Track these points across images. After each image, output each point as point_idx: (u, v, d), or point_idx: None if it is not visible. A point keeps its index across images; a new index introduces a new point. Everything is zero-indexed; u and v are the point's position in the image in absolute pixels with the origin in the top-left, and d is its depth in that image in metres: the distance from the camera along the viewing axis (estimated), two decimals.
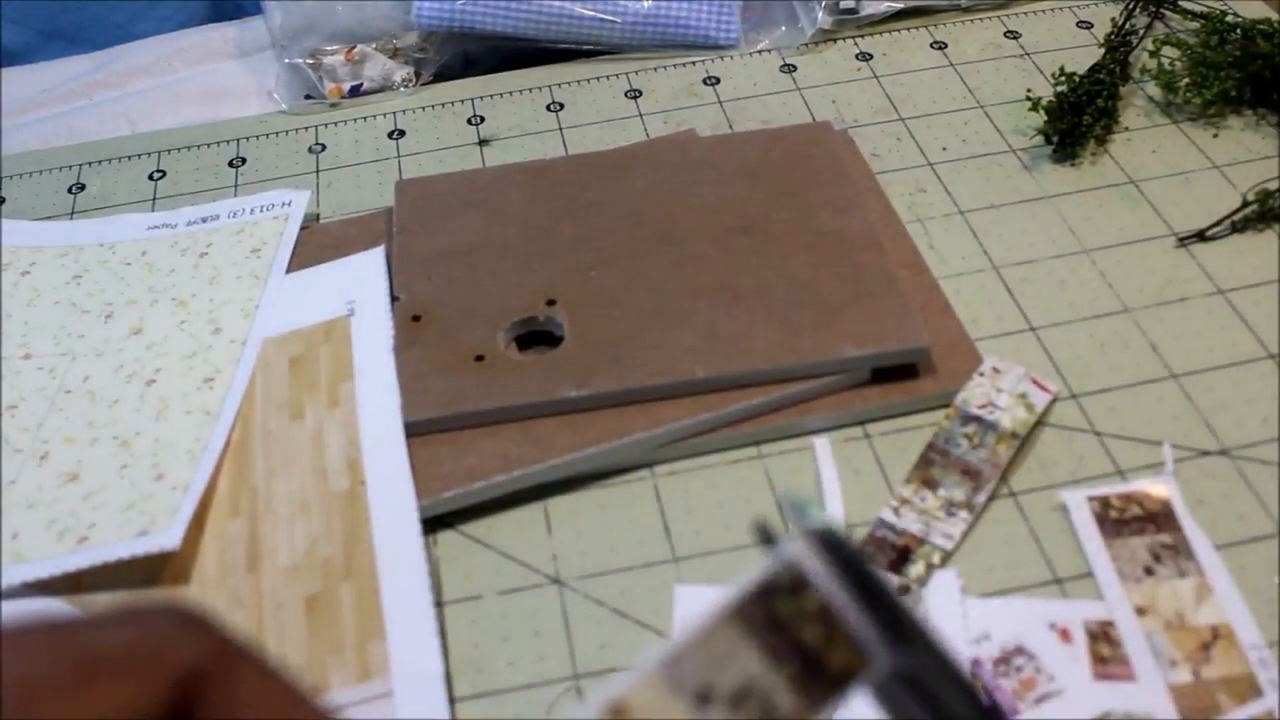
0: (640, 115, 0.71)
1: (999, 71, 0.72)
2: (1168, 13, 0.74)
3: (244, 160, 0.71)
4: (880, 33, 0.76)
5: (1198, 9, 0.73)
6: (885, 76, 0.72)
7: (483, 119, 0.72)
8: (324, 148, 0.71)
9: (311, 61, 0.75)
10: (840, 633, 0.22)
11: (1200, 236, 0.60)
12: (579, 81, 0.74)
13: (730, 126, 0.70)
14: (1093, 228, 0.61)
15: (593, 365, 0.53)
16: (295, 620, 0.46)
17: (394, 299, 0.58)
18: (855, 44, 0.75)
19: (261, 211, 0.65)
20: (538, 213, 0.61)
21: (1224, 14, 0.70)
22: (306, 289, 0.60)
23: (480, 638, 0.47)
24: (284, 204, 0.65)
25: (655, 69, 0.75)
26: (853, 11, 0.76)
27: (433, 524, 0.50)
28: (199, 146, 0.72)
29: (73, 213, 0.68)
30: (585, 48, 0.76)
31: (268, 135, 0.73)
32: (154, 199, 0.69)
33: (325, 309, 0.58)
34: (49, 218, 0.68)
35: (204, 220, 0.65)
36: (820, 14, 0.75)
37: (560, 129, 0.71)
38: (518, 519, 0.51)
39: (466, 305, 0.57)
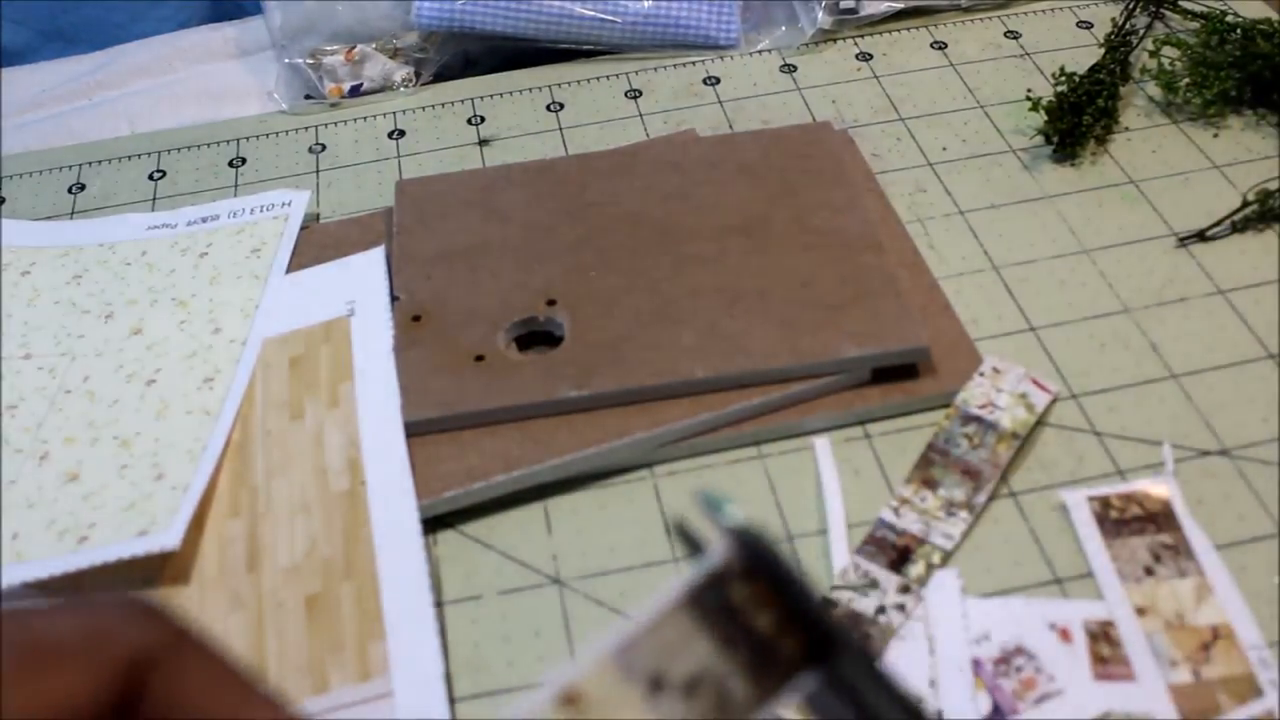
0: (640, 115, 0.71)
1: (999, 71, 0.72)
2: (1168, 13, 0.74)
3: (244, 160, 0.71)
4: (880, 33, 0.76)
5: (1198, 9, 0.73)
6: (885, 76, 0.72)
7: (483, 119, 0.72)
8: (324, 148, 0.71)
9: (311, 61, 0.75)
10: (793, 620, 0.22)
11: (1200, 236, 0.60)
12: (579, 81, 0.74)
13: (730, 126, 0.70)
14: (1093, 228, 0.61)
15: (593, 365, 0.53)
16: (295, 620, 0.46)
17: (394, 299, 0.58)
18: (855, 44, 0.75)
19: (261, 211, 0.65)
20: (538, 213, 0.61)
21: (1224, 14, 0.70)
22: (306, 289, 0.60)
23: (480, 638, 0.47)
24: (284, 204, 0.65)
25: (655, 69, 0.75)
26: (853, 11, 0.76)
27: (433, 524, 0.50)
28: (199, 146, 0.72)
29: (73, 213, 0.68)
30: (585, 48, 0.76)
31: (268, 135, 0.73)
32: (154, 199, 0.69)
33: (325, 309, 0.58)
34: (49, 218, 0.68)
35: (204, 220, 0.65)
36: (820, 14, 0.75)
37: (560, 129, 0.71)
38: (518, 519, 0.51)
39: (466, 305, 0.57)
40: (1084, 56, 0.71)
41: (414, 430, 0.52)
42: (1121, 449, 0.51)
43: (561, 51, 0.76)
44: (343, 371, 0.55)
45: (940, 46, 0.74)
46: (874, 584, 0.46)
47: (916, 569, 0.47)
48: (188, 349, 0.57)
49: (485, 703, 0.45)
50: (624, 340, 0.54)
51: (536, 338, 0.56)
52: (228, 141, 0.72)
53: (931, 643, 0.45)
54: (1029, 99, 0.67)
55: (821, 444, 0.52)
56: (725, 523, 0.22)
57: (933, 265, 0.59)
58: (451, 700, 0.45)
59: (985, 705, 0.43)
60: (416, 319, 0.56)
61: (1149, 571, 0.46)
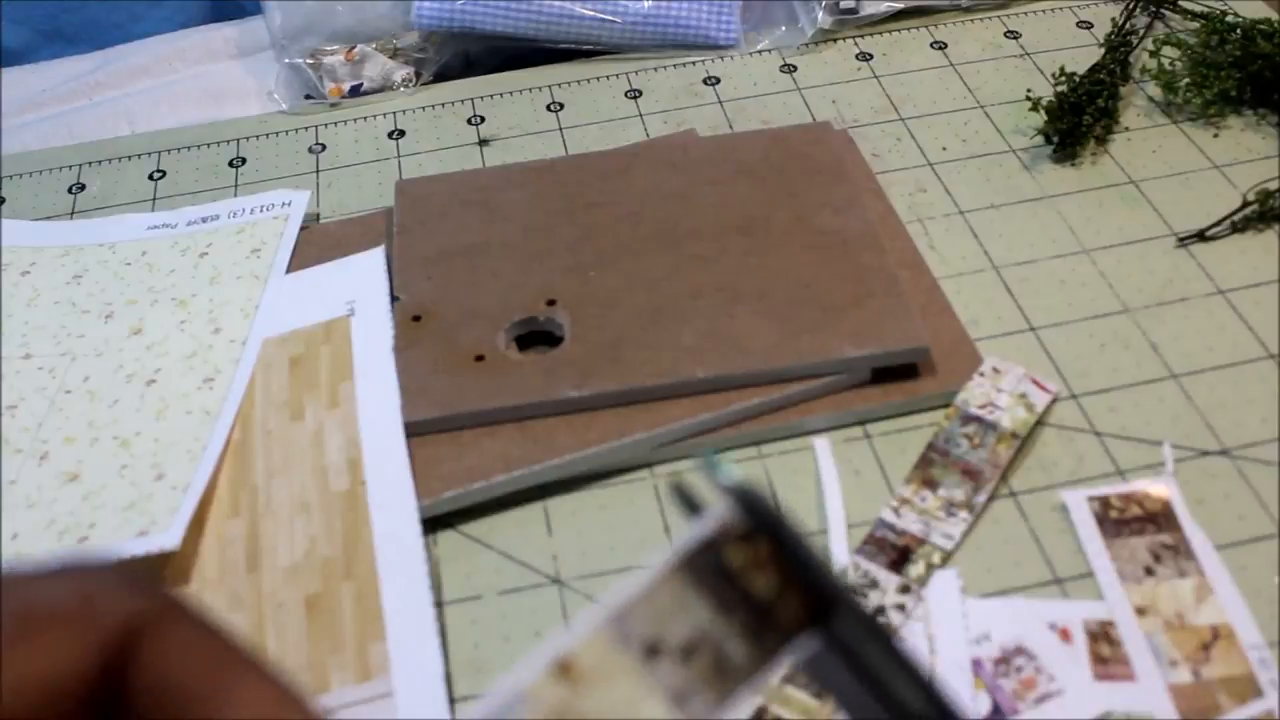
0: (640, 115, 0.71)
1: (999, 71, 0.72)
2: (1168, 13, 0.74)
3: (244, 160, 0.71)
4: (880, 33, 0.76)
5: (1198, 9, 0.73)
6: (885, 76, 0.72)
7: (483, 119, 0.72)
8: (324, 148, 0.71)
9: (311, 61, 0.75)
10: (792, 580, 0.22)
11: (1200, 236, 0.60)
12: (579, 81, 0.74)
13: (730, 126, 0.70)
14: (1093, 228, 0.61)
15: (593, 365, 0.53)
16: (295, 620, 0.46)
17: (394, 299, 0.58)
18: (855, 44, 0.75)
19: (261, 211, 0.65)
20: (538, 213, 0.61)
21: (1224, 14, 0.70)
22: (306, 289, 0.60)
23: (480, 638, 0.47)
24: (284, 204, 0.65)
25: (655, 69, 0.75)
26: (853, 11, 0.76)
27: (433, 524, 0.50)
28: (199, 146, 0.72)
29: (73, 213, 0.68)
30: (585, 48, 0.76)
31: (268, 135, 0.73)
32: (154, 199, 0.69)
33: (325, 309, 0.58)
34: (49, 218, 0.68)
35: (204, 220, 0.65)
36: (820, 14, 0.75)
37: (560, 129, 0.71)
38: (518, 519, 0.51)
39: (466, 305, 0.57)
40: (1084, 56, 0.71)
41: (414, 430, 0.52)
42: (1121, 449, 0.51)
43: (561, 51, 0.76)
44: (343, 371, 0.55)
45: (940, 46, 0.74)
46: (874, 584, 0.46)
47: (916, 569, 0.47)
48: (188, 349, 0.57)
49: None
50: (624, 340, 0.54)
51: (536, 338, 0.56)
52: (228, 141, 0.72)
53: (931, 643, 0.45)
54: (1029, 99, 0.67)
55: (821, 444, 0.52)
56: (723, 481, 0.22)
57: (933, 265, 0.59)
58: (451, 700, 0.44)
59: (985, 705, 0.43)
60: (416, 319, 0.56)
61: (1149, 571, 0.46)
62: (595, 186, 0.63)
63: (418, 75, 0.75)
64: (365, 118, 0.73)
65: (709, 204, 0.61)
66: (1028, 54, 0.73)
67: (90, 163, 0.72)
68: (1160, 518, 0.48)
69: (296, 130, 0.73)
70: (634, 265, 0.58)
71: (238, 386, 0.55)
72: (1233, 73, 0.66)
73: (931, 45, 0.75)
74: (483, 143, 0.71)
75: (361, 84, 0.75)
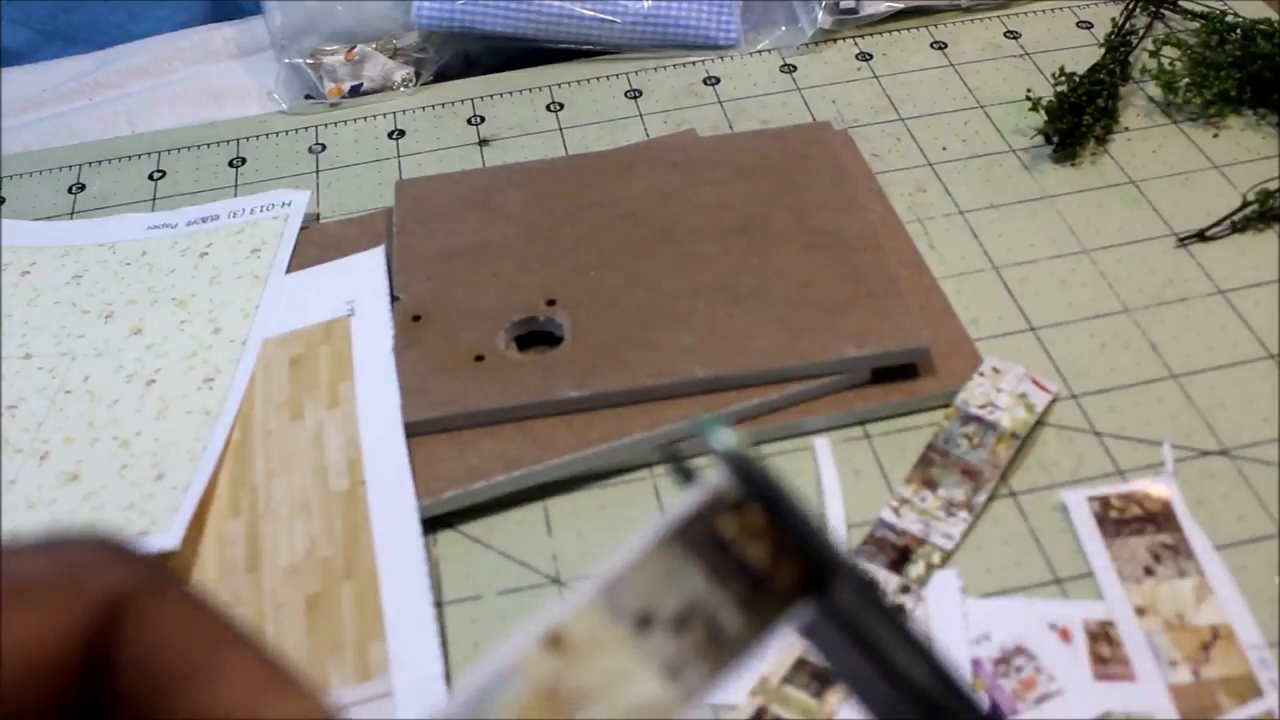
0: (640, 115, 0.71)
1: (999, 71, 0.72)
2: (1168, 13, 0.74)
3: (244, 160, 0.71)
4: (880, 33, 0.76)
5: (1198, 9, 0.73)
6: (885, 76, 0.72)
7: (483, 119, 0.72)
8: (324, 148, 0.71)
9: (311, 61, 0.75)
10: (788, 549, 0.21)
11: (1200, 236, 0.60)
12: (579, 81, 0.74)
13: (730, 126, 0.70)
14: (1093, 228, 0.61)
15: (593, 365, 0.53)
16: (295, 620, 0.46)
17: (394, 299, 0.58)
18: (855, 44, 0.75)
19: (261, 211, 0.65)
20: (538, 213, 0.61)
21: (1224, 14, 0.70)
22: (306, 289, 0.60)
23: (480, 638, 0.47)
24: (284, 204, 0.65)
25: (655, 69, 0.75)
26: (853, 11, 0.76)
27: (433, 524, 0.50)
28: (199, 146, 0.72)
29: (73, 213, 0.68)
30: (585, 48, 0.76)
31: (268, 135, 0.73)
32: (154, 199, 0.69)
33: (325, 309, 0.58)
34: (49, 218, 0.68)
35: (204, 220, 0.65)
36: (820, 14, 0.75)
37: (560, 129, 0.71)
38: (518, 519, 0.51)
39: (466, 305, 0.57)
40: (1084, 56, 0.71)
41: (414, 430, 0.52)
42: (1121, 449, 0.51)
43: (561, 51, 0.76)
44: (343, 371, 0.55)
45: (940, 46, 0.74)
46: None
47: (916, 569, 0.47)
48: (188, 349, 0.57)
49: None
50: (624, 340, 0.54)
51: (536, 338, 0.56)
52: (228, 141, 0.72)
53: None
54: (1029, 99, 0.67)
55: (821, 444, 0.52)
56: (717, 446, 0.21)
57: (933, 265, 0.59)
58: None
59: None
60: (416, 319, 0.56)
61: (1149, 571, 0.46)
62: (595, 186, 0.63)
63: (418, 75, 0.75)
64: (365, 118, 0.73)
65: (709, 204, 0.61)
66: (1028, 54, 0.73)
67: (90, 163, 0.72)
68: (1160, 518, 0.48)
69: (296, 130, 0.73)
70: (634, 265, 0.58)
71: (238, 386, 0.55)
72: (1233, 73, 0.66)
73: (931, 45, 0.75)
74: (483, 143, 0.71)
75: (361, 84, 0.75)
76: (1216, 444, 0.51)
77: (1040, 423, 0.52)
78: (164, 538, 0.48)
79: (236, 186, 0.69)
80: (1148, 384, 0.54)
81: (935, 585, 0.46)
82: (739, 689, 0.43)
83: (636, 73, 0.74)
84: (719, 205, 0.60)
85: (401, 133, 0.72)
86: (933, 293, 0.57)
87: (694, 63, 0.75)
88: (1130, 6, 0.73)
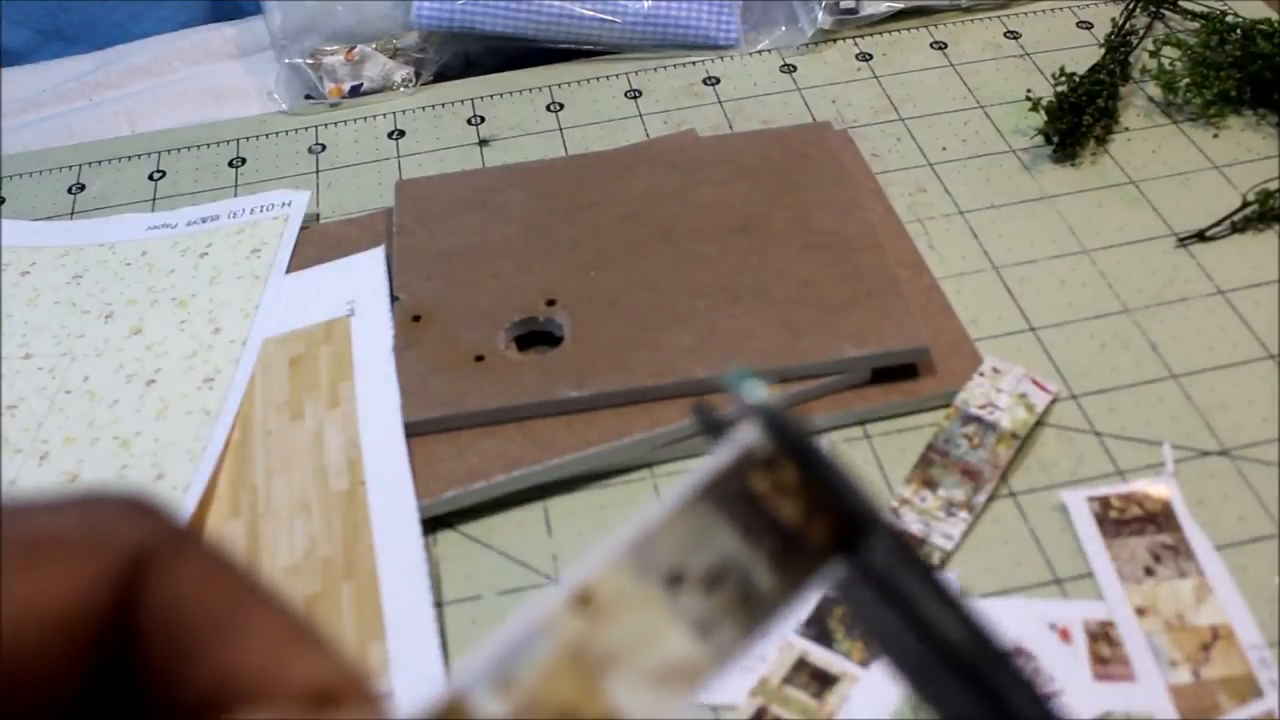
0: (640, 115, 0.71)
1: (999, 71, 0.72)
2: (1168, 13, 0.74)
3: (244, 160, 0.71)
4: (880, 33, 0.76)
5: (1198, 9, 0.73)
6: (885, 76, 0.72)
7: (483, 119, 0.72)
8: (324, 148, 0.71)
9: (311, 61, 0.75)
10: (821, 507, 0.20)
11: (1200, 236, 0.60)
12: (579, 81, 0.74)
13: (730, 126, 0.70)
14: (1093, 228, 0.61)
15: (593, 365, 0.53)
16: None
17: (394, 299, 0.58)
18: (855, 44, 0.75)
19: (261, 211, 0.65)
20: (538, 213, 0.61)
21: (1224, 14, 0.70)
22: (306, 289, 0.60)
23: (480, 638, 0.47)
24: (284, 204, 0.65)
25: (655, 69, 0.75)
26: (853, 11, 0.76)
27: (433, 524, 0.50)
28: (199, 146, 0.72)
29: (73, 213, 0.68)
30: (585, 48, 0.76)
31: (268, 135, 0.73)
32: (154, 199, 0.69)
33: (325, 309, 0.58)
34: (49, 218, 0.68)
35: (204, 220, 0.65)
36: (820, 14, 0.75)
37: (560, 129, 0.71)
38: (518, 519, 0.51)
39: (466, 305, 0.57)
40: (1084, 56, 0.71)
41: (414, 430, 0.52)
42: (1121, 449, 0.51)
43: (561, 51, 0.76)
44: (343, 371, 0.55)
45: (940, 46, 0.74)
46: None
47: None
48: (188, 349, 0.57)
49: None
50: (624, 340, 0.54)
51: (536, 338, 0.56)
52: (228, 141, 0.72)
53: None
54: (1029, 99, 0.67)
55: (821, 444, 0.52)
56: (747, 399, 0.21)
57: (933, 265, 0.59)
58: None
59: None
60: (416, 319, 0.56)
61: (1149, 572, 0.46)
62: (595, 186, 0.63)
63: (418, 75, 0.75)
64: (365, 118, 0.73)
65: (709, 204, 0.61)
66: (1028, 54, 0.73)
67: (90, 163, 0.72)
68: (1160, 518, 0.48)
69: (296, 130, 0.73)
70: (634, 265, 0.58)
71: (238, 386, 0.55)
72: (1233, 73, 0.66)
73: (931, 45, 0.75)
74: (483, 143, 0.71)
75: (361, 84, 0.75)
76: (1216, 444, 0.51)
77: (1040, 423, 0.52)
78: None
79: (236, 186, 0.69)
80: (1148, 384, 0.54)
81: None
82: (739, 689, 0.43)
83: (636, 73, 0.74)
84: (719, 205, 0.60)
85: (401, 133, 0.72)
86: (933, 293, 0.57)
87: (694, 63, 0.75)
88: (1130, 6, 0.73)
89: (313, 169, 0.70)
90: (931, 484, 0.50)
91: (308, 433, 0.53)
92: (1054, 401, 0.53)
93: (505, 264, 0.59)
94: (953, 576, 0.47)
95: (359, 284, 0.59)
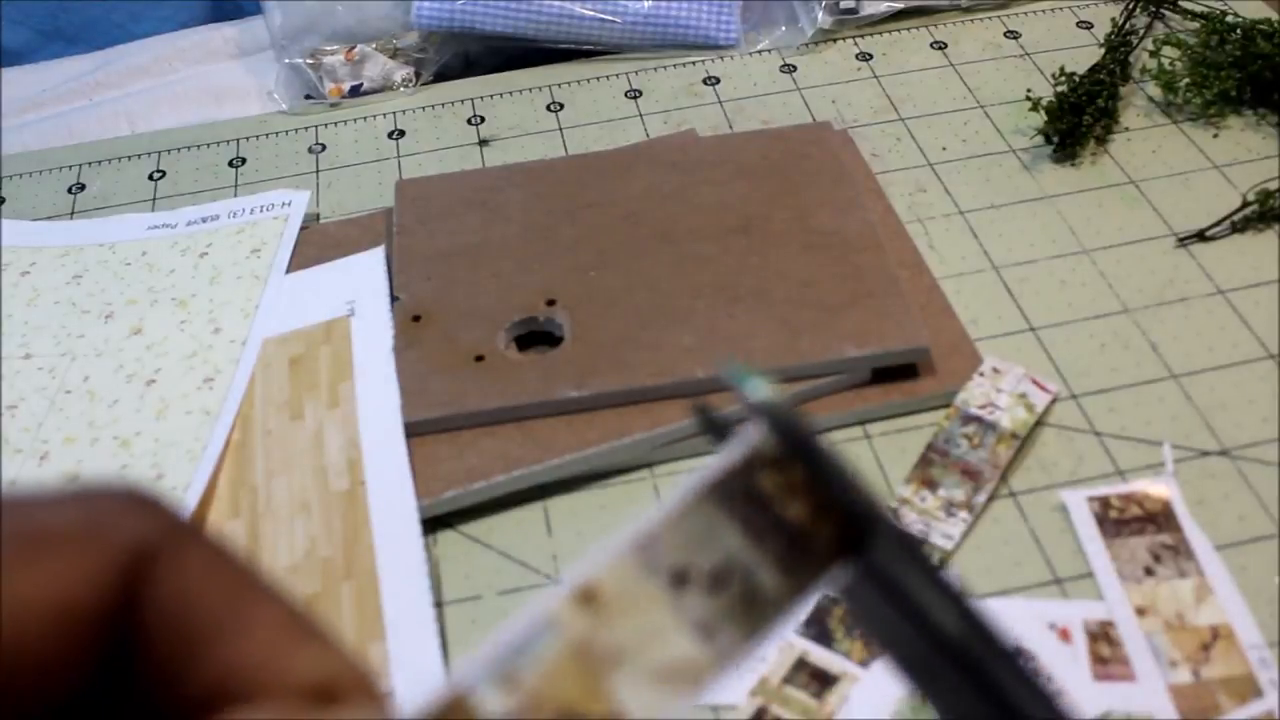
0: (640, 115, 0.71)
1: (999, 71, 0.72)
2: (1168, 13, 0.74)
3: (244, 160, 0.71)
4: (880, 33, 0.76)
5: (1198, 9, 0.73)
6: (885, 76, 0.72)
7: (483, 119, 0.72)
8: (324, 148, 0.71)
9: (311, 61, 0.75)
10: (827, 508, 0.20)
11: (1200, 236, 0.60)
12: (579, 81, 0.74)
13: (730, 126, 0.70)
14: (1093, 228, 0.61)
15: (593, 365, 0.53)
16: None
17: (394, 299, 0.58)
18: (855, 44, 0.75)
19: (261, 211, 0.65)
20: (538, 213, 0.61)
21: (1224, 14, 0.70)
22: (306, 289, 0.60)
23: (480, 638, 0.47)
24: (284, 204, 0.65)
25: (655, 69, 0.75)
26: (853, 11, 0.76)
27: (433, 524, 0.50)
28: (199, 146, 0.72)
29: (73, 213, 0.68)
30: (585, 48, 0.76)
31: (268, 135, 0.73)
32: (154, 199, 0.69)
33: (325, 309, 0.58)
34: (49, 218, 0.68)
35: (204, 220, 0.65)
36: (820, 14, 0.75)
37: (560, 129, 0.71)
38: (518, 519, 0.51)
39: (466, 305, 0.57)
40: (1084, 56, 0.71)
41: (414, 430, 0.52)
42: (1121, 449, 0.51)
43: (561, 51, 0.76)
44: (343, 371, 0.55)
45: (940, 46, 0.74)
46: None
47: None
48: (188, 349, 0.57)
49: None
50: (624, 340, 0.54)
51: (536, 338, 0.56)
52: (228, 141, 0.72)
53: None
54: (1029, 99, 0.67)
55: None
56: (751, 398, 0.20)
57: (933, 265, 0.59)
58: None
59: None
60: (416, 319, 0.56)
61: (1149, 572, 0.46)
62: (595, 186, 0.63)
63: (418, 75, 0.75)
64: (365, 118, 0.73)
65: (709, 204, 0.61)
66: (1028, 54, 0.73)
67: (90, 163, 0.72)
68: (1160, 518, 0.48)
69: (296, 130, 0.73)
70: (634, 265, 0.58)
71: (238, 386, 0.55)
72: (1233, 73, 0.66)
73: (931, 45, 0.75)
74: (483, 143, 0.71)
75: (361, 84, 0.75)
76: (1216, 444, 0.51)
77: (1040, 423, 0.52)
78: None
79: (236, 186, 0.69)
80: (1148, 384, 0.54)
81: None
82: (739, 689, 0.43)
83: (636, 73, 0.74)
84: (719, 205, 0.60)
85: (401, 133, 0.72)
86: (933, 293, 0.57)
87: (694, 63, 0.75)
88: (1130, 6, 0.73)
89: (313, 169, 0.70)
90: (931, 484, 0.50)
91: (308, 433, 0.53)
92: (1054, 401, 0.53)
93: (505, 264, 0.59)
94: (956, 576, 0.47)
95: (359, 284, 0.59)
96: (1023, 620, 0.45)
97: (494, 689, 0.18)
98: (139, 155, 0.72)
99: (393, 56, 0.75)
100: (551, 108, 0.72)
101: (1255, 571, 0.46)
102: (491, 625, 0.47)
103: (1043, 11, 0.77)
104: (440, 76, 0.76)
